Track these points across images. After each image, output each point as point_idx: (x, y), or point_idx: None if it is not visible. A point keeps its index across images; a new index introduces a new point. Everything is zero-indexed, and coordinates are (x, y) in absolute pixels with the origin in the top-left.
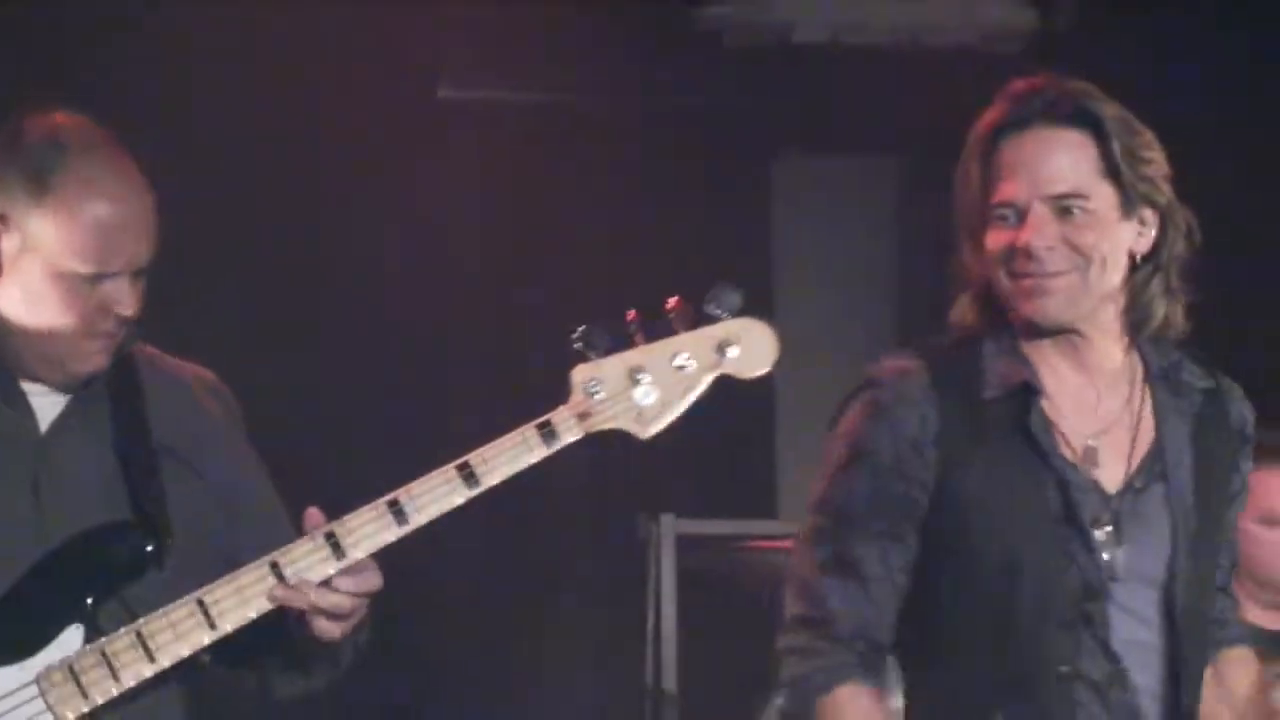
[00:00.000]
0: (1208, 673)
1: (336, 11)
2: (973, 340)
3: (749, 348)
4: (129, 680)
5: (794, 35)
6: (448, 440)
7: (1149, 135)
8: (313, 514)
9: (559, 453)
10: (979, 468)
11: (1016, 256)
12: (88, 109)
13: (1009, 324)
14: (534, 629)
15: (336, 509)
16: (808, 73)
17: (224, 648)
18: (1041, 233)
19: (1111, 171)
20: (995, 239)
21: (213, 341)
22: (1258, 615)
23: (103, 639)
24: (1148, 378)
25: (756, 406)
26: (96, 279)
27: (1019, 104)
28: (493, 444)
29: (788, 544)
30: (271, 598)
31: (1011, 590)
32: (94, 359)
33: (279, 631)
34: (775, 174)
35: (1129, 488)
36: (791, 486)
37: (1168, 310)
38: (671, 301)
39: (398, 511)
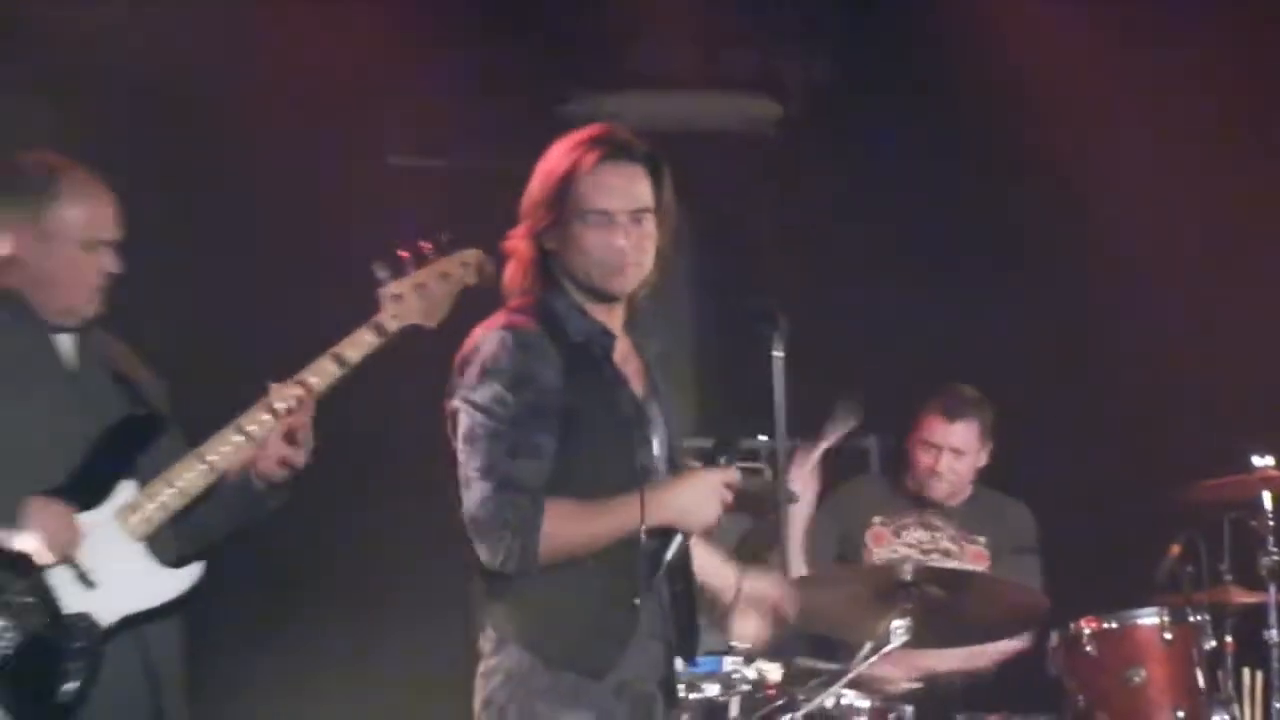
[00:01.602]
0: None
1: (302, 92)
2: (539, 301)
3: (483, 267)
4: (159, 516)
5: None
6: None
7: (666, 167)
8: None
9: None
10: (581, 391)
11: (611, 250)
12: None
13: (560, 288)
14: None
15: None
16: None
17: (195, 518)
18: (629, 234)
19: (657, 195)
20: (594, 236)
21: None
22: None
23: (148, 487)
24: (628, 325)
25: None
26: (101, 245)
27: (609, 145)
28: (347, 339)
29: None
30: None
31: (595, 475)
32: (95, 305)
33: (227, 499)
34: None
35: (646, 397)
36: None
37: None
38: (426, 245)
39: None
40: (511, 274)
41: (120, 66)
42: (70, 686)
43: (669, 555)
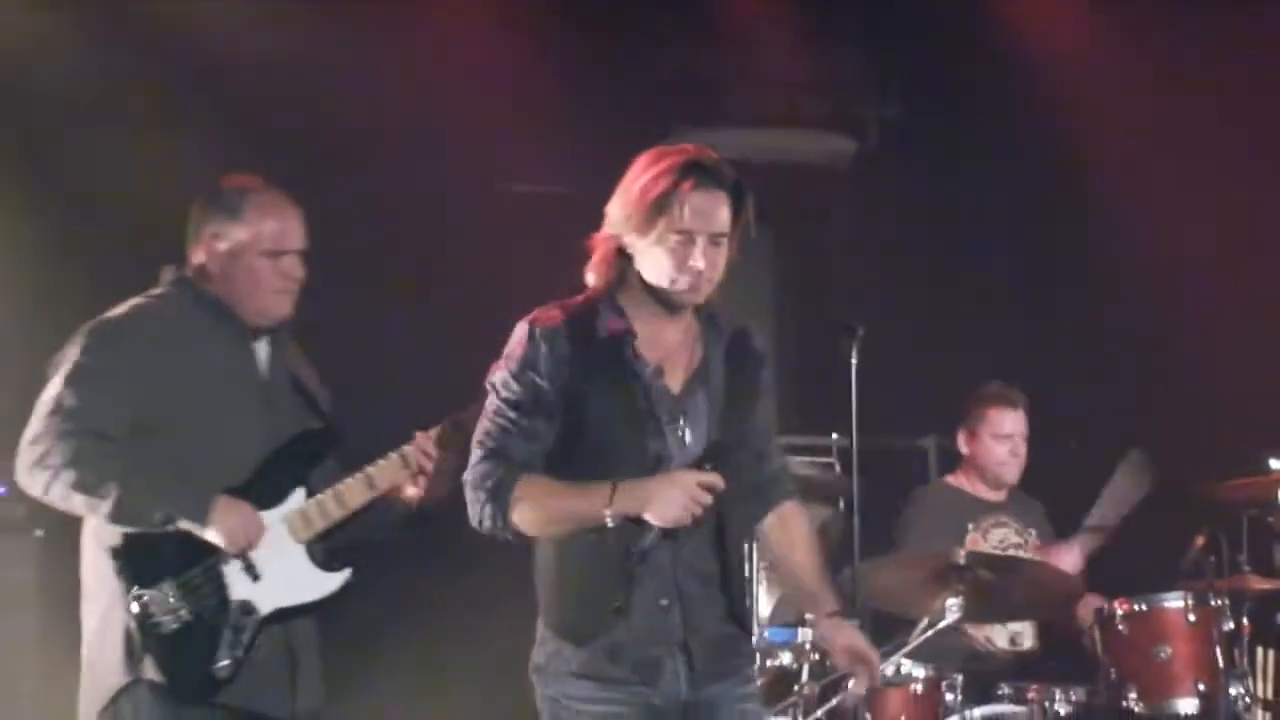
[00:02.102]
0: (772, 518)
1: (432, 123)
2: (590, 302)
3: None
4: (321, 524)
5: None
6: None
7: (748, 193)
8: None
9: None
10: (594, 381)
11: (688, 268)
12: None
13: (627, 288)
14: None
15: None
16: None
17: (349, 530)
18: (706, 254)
19: (735, 218)
20: (677, 252)
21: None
22: (982, 490)
23: (317, 496)
24: (699, 320)
25: None
26: (282, 254)
27: (701, 172)
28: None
29: None
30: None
31: (610, 461)
32: (286, 306)
33: (374, 516)
34: None
35: (689, 390)
36: None
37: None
38: None
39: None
40: (594, 266)
41: (248, 100)
42: (225, 663)
43: (645, 543)
